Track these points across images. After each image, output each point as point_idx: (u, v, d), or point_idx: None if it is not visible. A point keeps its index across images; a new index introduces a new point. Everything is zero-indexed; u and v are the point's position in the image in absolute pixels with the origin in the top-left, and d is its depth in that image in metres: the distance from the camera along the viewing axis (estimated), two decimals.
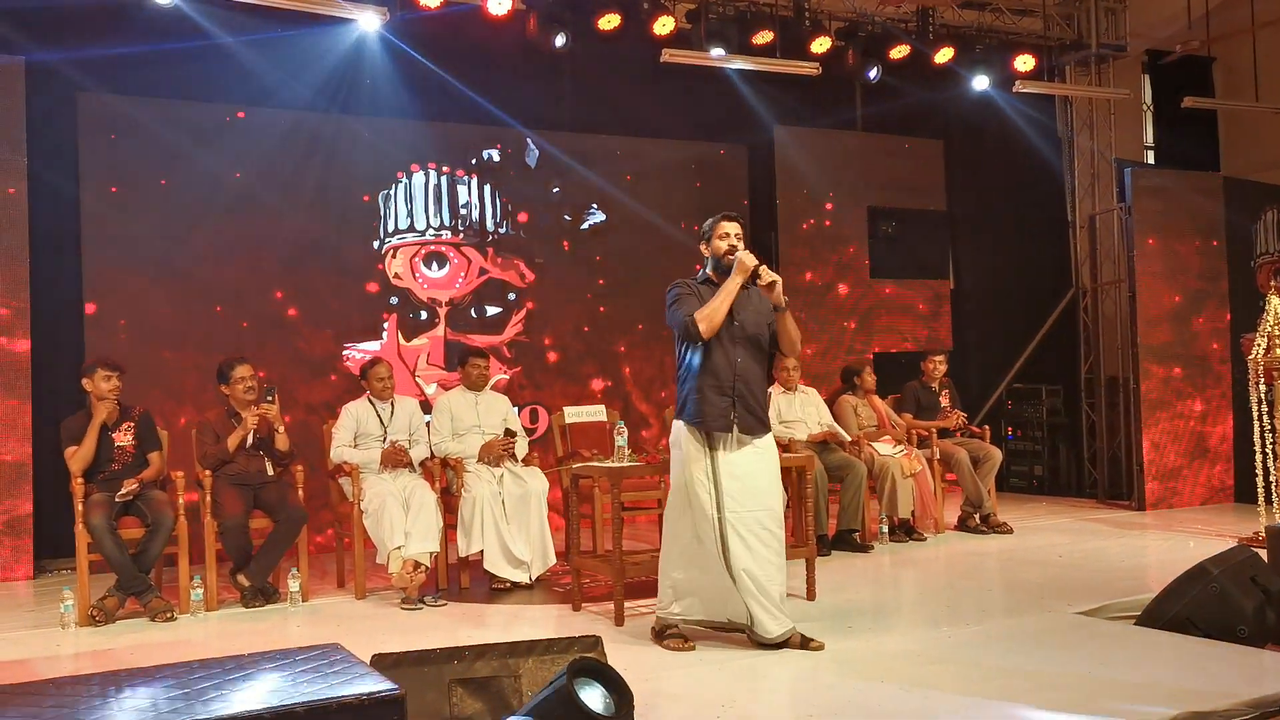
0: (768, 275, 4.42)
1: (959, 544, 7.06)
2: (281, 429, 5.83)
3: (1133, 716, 3.40)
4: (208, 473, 5.63)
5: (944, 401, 7.67)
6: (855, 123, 9.54)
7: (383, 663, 3.25)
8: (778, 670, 4.16)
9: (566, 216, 8.58)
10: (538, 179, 8.45)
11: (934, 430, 7.46)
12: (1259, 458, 6.46)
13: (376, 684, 2.78)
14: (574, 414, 6.95)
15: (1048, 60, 9.27)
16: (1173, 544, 6.63)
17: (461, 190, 8.20)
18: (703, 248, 4.69)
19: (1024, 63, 8.92)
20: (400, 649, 3.41)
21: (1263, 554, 4.83)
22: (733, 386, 4.47)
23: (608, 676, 2.73)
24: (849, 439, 6.96)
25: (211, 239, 7.37)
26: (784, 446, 6.80)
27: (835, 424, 7.13)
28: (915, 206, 9.81)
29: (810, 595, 5.36)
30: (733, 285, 4.41)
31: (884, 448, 7.13)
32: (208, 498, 5.57)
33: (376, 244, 7.92)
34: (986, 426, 7.93)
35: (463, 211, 8.19)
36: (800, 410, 7.19)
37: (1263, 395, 6.42)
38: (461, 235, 8.19)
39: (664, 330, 8.91)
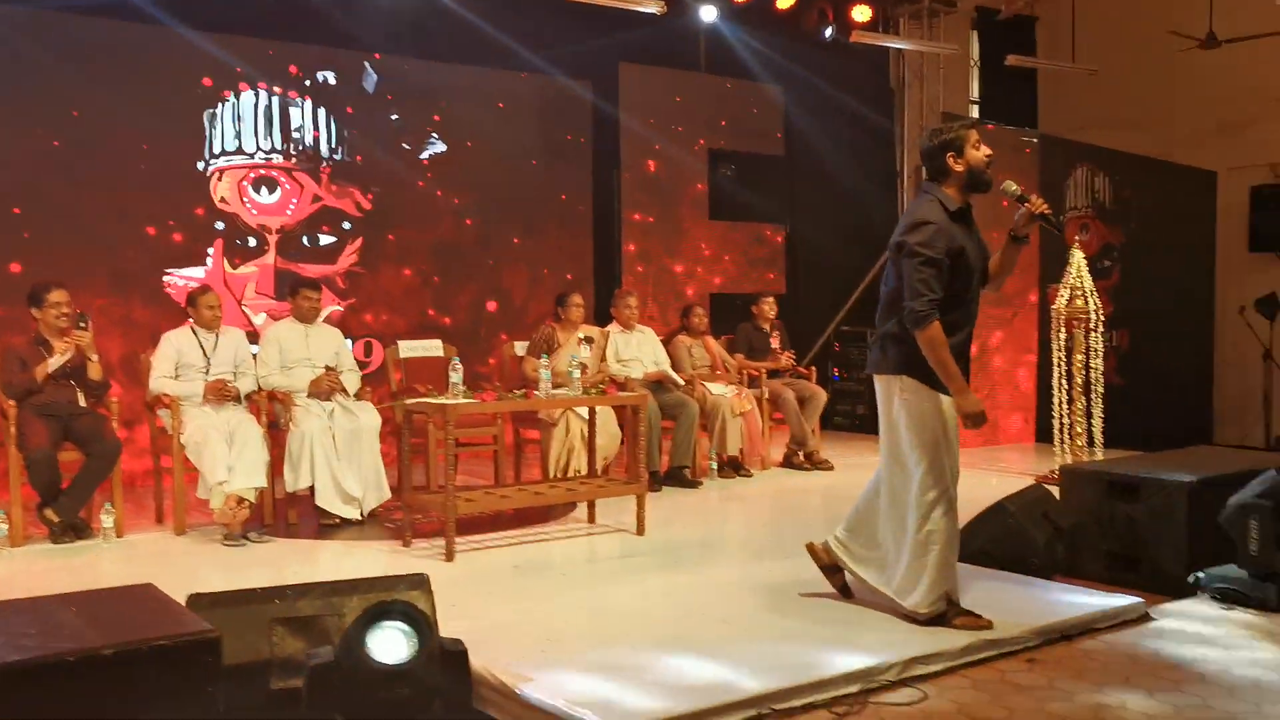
0: (1040, 204, 3.87)
1: (784, 480, 7.34)
2: (94, 358, 5.56)
3: (934, 645, 3.63)
4: (12, 402, 5.33)
5: (774, 343, 7.90)
6: (699, 64, 9.58)
7: (199, 603, 3.18)
8: (607, 604, 4.26)
9: (405, 145, 8.36)
10: (376, 105, 8.20)
11: (764, 371, 7.69)
12: (1057, 402, 6.92)
13: (191, 625, 2.73)
14: (409, 348, 6.87)
15: (883, 12, 9.50)
16: (979, 482, 7.02)
17: (294, 113, 7.88)
18: (950, 160, 3.82)
19: (861, 13, 9.10)
20: (221, 587, 3.35)
21: (1057, 491, 5.19)
22: (969, 342, 3.93)
23: (415, 619, 2.74)
24: (682, 382, 7.10)
25: (21, 149, 6.88)
26: (620, 385, 6.93)
27: (668, 366, 7.26)
28: (755, 151, 9.98)
29: (640, 530, 5.49)
30: (961, 382, 3.73)
31: (716, 387, 7.31)
32: (12, 429, 5.28)
33: (201, 165, 7.56)
34: (813, 368, 8.21)
35: (295, 135, 7.89)
36: (637, 349, 7.28)
37: (1063, 343, 6.85)
38: (294, 160, 7.89)
39: (508, 262, 8.91)
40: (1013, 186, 3.95)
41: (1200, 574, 4.42)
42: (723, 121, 9.76)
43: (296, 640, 3.25)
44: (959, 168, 3.83)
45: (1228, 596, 4.29)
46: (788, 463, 7.67)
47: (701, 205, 9.67)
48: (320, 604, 3.33)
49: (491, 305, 8.71)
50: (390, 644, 2.70)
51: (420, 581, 3.47)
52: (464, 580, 4.62)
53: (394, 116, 8.28)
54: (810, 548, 4.34)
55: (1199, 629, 3.98)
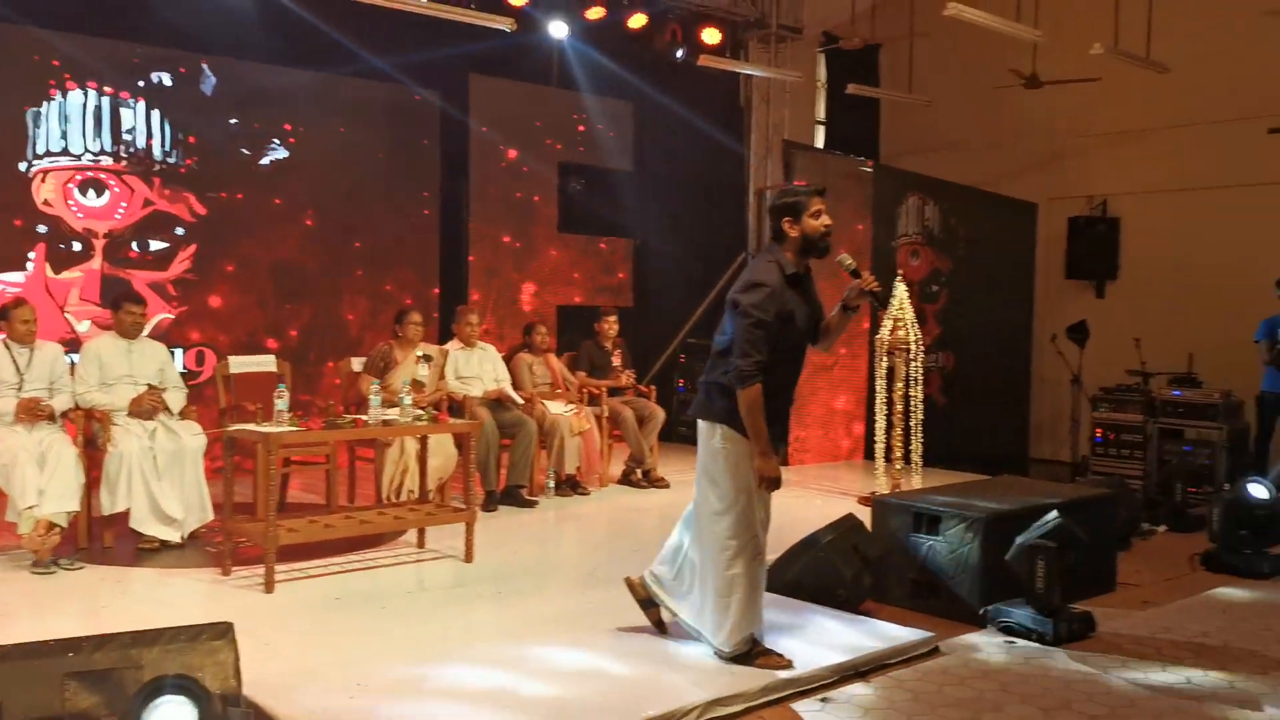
0: (870, 280, 3.99)
1: (621, 498, 7.48)
2: None
3: (735, 685, 3.79)
4: None
5: (616, 361, 8.02)
6: (551, 78, 9.63)
7: None
8: (425, 641, 4.29)
9: (244, 150, 8.17)
10: (214, 109, 7.98)
11: (605, 389, 7.81)
12: (879, 427, 7.25)
13: None
14: (239, 363, 6.71)
15: (733, 35, 9.70)
16: (805, 502, 7.29)
17: (126, 114, 7.61)
18: (786, 225, 3.96)
19: (711, 36, 9.28)
20: (25, 621, 3.25)
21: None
22: (791, 398, 4.13)
23: (194, 694, 2.74)
24: (520, 401, 7.17)
25: None
26: (459, 403, 6.94)
27: (509, 384, 7.31)
28: (605, 165, 10.09)
29: (468, 558, 5.52)
30: (765, 446, 3.86)
31: (556, 406, 7.39)
32: None
33: (23, 166, 7.23)
34: (653, 386, 8.36)
35: (126, 137, 7.62)
36: (478, 367, 7.30)
37: (885, 371, 7.18)
38: (124, 163, 7.62)
39: (349, 274, 8.77)
40: (848, 261, 4.08)
41: (989, 608, 4.73)
42: (573, 135, 9.84)
43: (91, 696, 3.18)
44: (794, 233, 3.97)
45: (1012, 630, 4.60)
46: (626, 480, 7.81)
47: (551, 218, 9.73)
48: (117, 656, 3.26)
49: (330, 318, 8.58)
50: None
51: (224, 631, 3.42)
52: (282, 614, 4.59)
53: (233, 121, 8.07)
54: (628, 581, 4.46)
55: (982, 664, 4.26)
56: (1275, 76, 9.20)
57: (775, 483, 3.93)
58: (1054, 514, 4.63)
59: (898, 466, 7.22)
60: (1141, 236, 10.25)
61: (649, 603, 4.38)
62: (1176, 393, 8.48)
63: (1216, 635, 4.71)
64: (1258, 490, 5.82)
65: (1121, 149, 10.22)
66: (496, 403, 7.11)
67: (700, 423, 4.12)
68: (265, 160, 8.26)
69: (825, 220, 3.97)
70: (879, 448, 7.27)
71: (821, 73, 11.43)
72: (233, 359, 6.72)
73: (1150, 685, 4.08)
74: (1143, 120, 9.98)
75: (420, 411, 5.73)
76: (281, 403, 5.20)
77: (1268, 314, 8.23)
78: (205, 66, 7.90)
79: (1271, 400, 8.15)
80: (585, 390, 7.76)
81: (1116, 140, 10.21)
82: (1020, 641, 4.53)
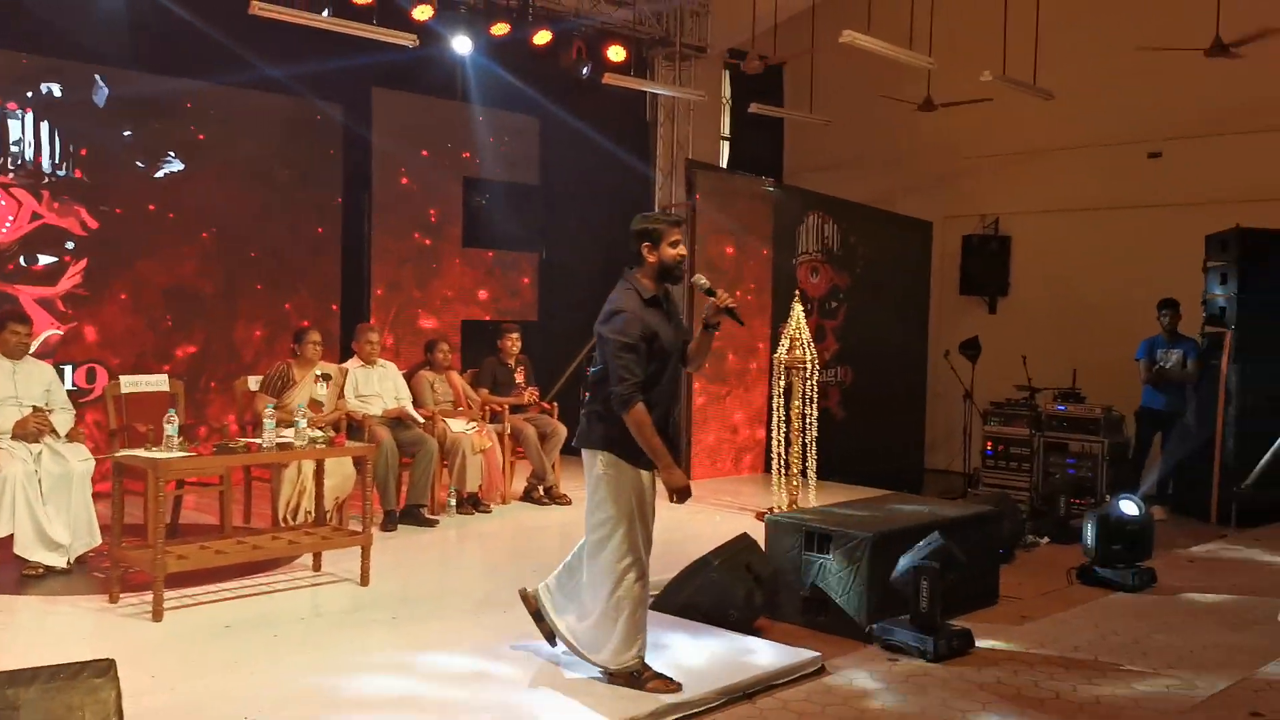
0: (726, 298, 4.11)
1: (523, 515, 7.51)
2: None
3: (624, 710, 3.86)
4: None
5: (519, 378, 8.05)
6: (456, 93, 9.60)
7: None
8: (316, 670, 4.27)
9: (139, 163, 7.99)
10: (106, 120, 7.79)
11: (507, 406, 7.83)
12: (775, 443, 7.41)
13: None
14: (131, 383, 6.57)
15: (638, 53, 9.80)
16: (704, 518, 7.40)
17: (13, 125, 7.40)
18: (645, 250, 4.09)
19: (616, 53, 9.36)
20: None
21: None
22: (671, 418, 4.24)
23: None
24: (421, 419, 7.16)
25: None
26: (359, 422, 6.90)
27: (409, 402, 7.29)
28: (510, 179, 10.10)
29: (365, 581, 5.50)
30: (667, 460, 4.01)
31: (457, 424, 7.39)
32: None
33: None
34: (555, 403, 8.41)
35: (13, 149, 7.41)
36: (378, 385, 7.27)
37: (782, 389, 7.34)
38: (11, 175, 7.41)
39: (248, 290, 8.61)
40: (703, 281, 4.28)
41: (875, 625, 4.89)
42: (478, 150, 9.83)
43: None
44: (651, 259, 4.11)
45: (895, 648, 4.76)
46: (528, 497, 7.84)
47: (454, 233, 9.71)
48: None
49: (225, 335, 8.43)
50: None
51: (106, 669, 3.38)
52: (170, 644, 4.53)
53: (126, 133, 7.90)
54: (523, 594, 4.53)
55: (865, 683, 4.41)
56: (1152, 104, 9.63)
57: (685, 493, 4.07)
58: (936, 535, 4.80)
59: (795, 482, 7.37)
60: (1031, 255, 10.63)
61: (540, 615, 4.45)
62: (1061, 407, 8.80)
63: (1087, 649, 4.94)
64: (1128, 507, 6.10)
65: (1013, 169, 10.59)
66: (397, 421, 7.09)
67: (584, 451, 4.22)
68: (160, 173, 8.09)
69: (681, 250, 4.14)
70: (775, 464, 7.42)
71: (727, 90, 11.60)
72: (124, 378, 6.58)
73: (1022, 700, 4.26)
74: (1033, 142, 10.35)
75: (317, 433, 5.69)
76: (171, 428, 5.12)
77: (1148, 334, 8.62)
78: (99, 77, 7.71)
79: (1149, 416, 8.54)
80: (487, 407, 7.78)
81: (1008, 161, 10.58)
82: (903, 659, 4.69)
